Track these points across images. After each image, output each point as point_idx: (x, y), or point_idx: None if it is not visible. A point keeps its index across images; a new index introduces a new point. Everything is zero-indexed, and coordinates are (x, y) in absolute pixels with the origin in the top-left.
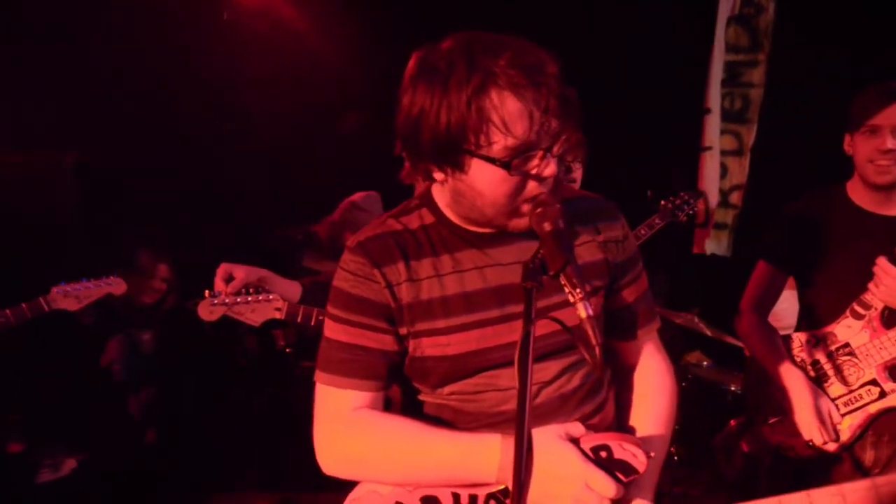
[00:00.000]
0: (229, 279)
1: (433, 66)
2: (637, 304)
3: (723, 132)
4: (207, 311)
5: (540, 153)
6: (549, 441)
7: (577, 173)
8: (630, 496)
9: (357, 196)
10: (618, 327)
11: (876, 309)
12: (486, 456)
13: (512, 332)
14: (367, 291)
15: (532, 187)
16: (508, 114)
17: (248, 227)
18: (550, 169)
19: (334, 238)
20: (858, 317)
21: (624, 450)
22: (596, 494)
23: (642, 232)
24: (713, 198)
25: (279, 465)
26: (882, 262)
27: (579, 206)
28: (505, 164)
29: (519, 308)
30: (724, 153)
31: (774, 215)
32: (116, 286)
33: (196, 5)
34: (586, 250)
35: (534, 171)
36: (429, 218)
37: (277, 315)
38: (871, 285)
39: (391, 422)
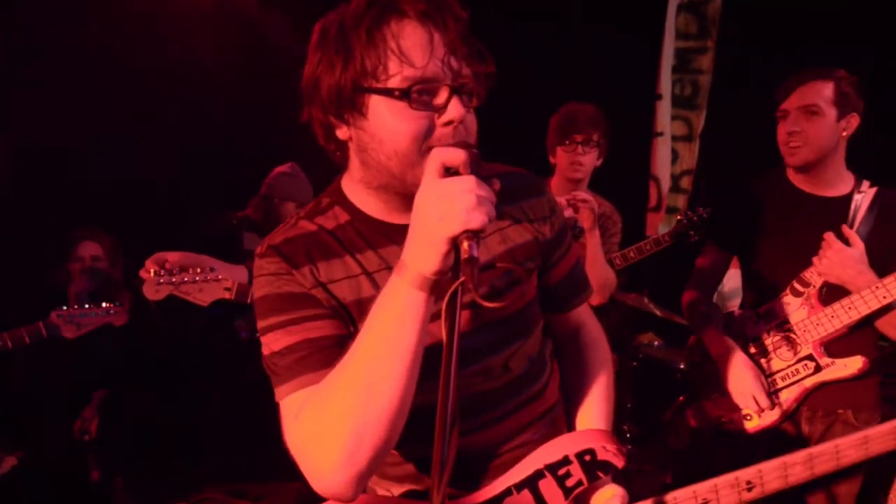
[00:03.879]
0: (162, 267)
1: (332, 20)
2: (569, 277)
3: (673, 118)
4: (153, 290)
5: (445, 89)
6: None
7: (588, 157)
8: (602, 482)
9: (280, 167)
10: (552, 301)
11: (815, 286)
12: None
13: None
14: (294, 286)
15: (440, 134)
16: (407, 41)
17: (193, 217)
18: (457, 110)
19: (268, 212)
20: (798, 294)
21: (606, 451)
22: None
23: (646, 248)
24: (665, 183)
25: (231, 455)
26: (829, 237)
27: (504, 184)
28: (404, 94)
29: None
30: (674, 139)
31: (720, 197)
32: (117, 316)
33: None
34: (515, 231)
35: (437, 107)
36: (343, 216)
37: (227, 295)
38: (814, 259)
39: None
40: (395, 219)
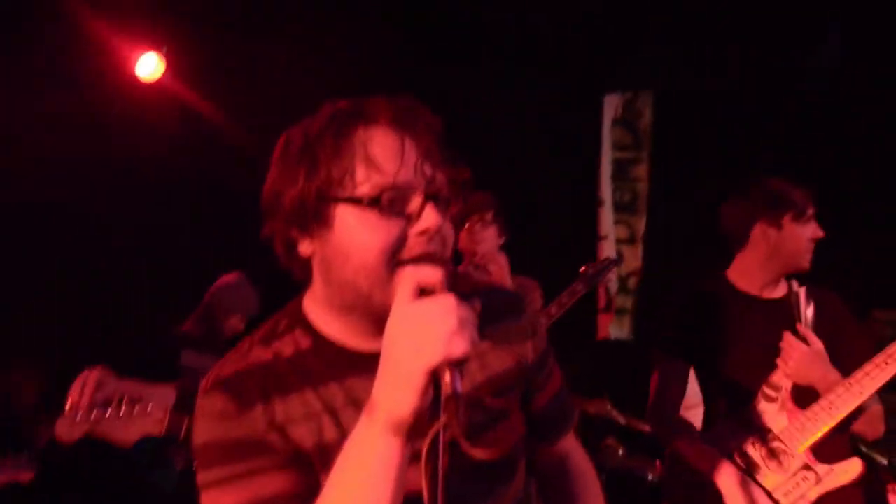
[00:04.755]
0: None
1: (296, 132)
2: (553, 404)
3: (616, 222)
4: (67, 430)
5: (418, 196)
6: None
7: (489, 232)
8: None
9: (225, 277)
10: (536, 432)
11: (786, 389)
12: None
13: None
14: (244, 430)
15: (414, 244)
16: (376, 147)
17: (124, 331)
18: (433, 217)
19: (210, 327)
20: (771, 399)
21: None
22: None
23: (564, 299)
24: (613, 285)
25: None
26: (789, 338)
27: (482, 302)
28: (373, 201)
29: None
30: (618, 241)
31: (664, 306)
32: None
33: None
34: (496, 357)
35: (411, 216)
36: (304, 341)
37: (157, 430)
38: (779, 362)
39: None
40: (363, 345)
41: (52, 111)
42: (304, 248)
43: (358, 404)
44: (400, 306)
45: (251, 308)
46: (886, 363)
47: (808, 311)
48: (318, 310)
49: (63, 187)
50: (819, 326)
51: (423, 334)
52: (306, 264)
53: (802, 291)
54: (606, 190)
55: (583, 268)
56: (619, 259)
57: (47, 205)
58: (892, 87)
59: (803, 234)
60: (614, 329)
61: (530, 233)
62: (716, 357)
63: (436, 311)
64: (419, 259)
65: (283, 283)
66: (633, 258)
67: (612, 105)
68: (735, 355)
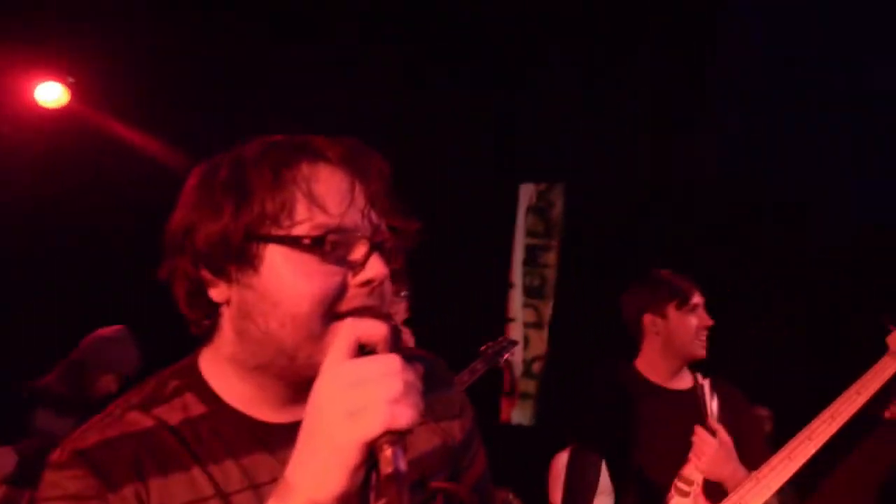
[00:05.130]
0: None
1: (222, 159)
2: (476, 489)
3: (525, 305)
4: None
5: (363, 243)
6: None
7: (401, 307)
8: None
9: (103, 330)
10: None
11: (698, 484)
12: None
13: None
14: None
15: (354, 295)
16: (322, 185)
17: None
18: (379, 268)
19: (78, 383)
20: (684, 494)
21: None
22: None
23: (465, 378)
24: (518, 368)
25: None
26: (700, 432)
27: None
28: (315, 242)
29: None
30: (526, 325)
31: (580, 394)
32: None
33: None
34: (423, 434)
35: (353, 264)
36: (196, 407)
37: None
38: (691, 456)
39: None
40: (272, 415)
41: None
42: (217, 293)
43: (258, 489)
44: (333, 365)
45: (129, 368)
46: (790, 458)
47: (713, 404)
48: (219, 370)
49: None
50: (722, 419)
51: (362, 399)
52: (212, 313)
53: (706, 384)
54: (517, 274)
55: (483, 346)
56: (523, 341)
57: None
58: None
59: (690, 323)
60: (517, 414)
61: (440, 310)
62: (627, 447)
63: (377, 371)
64: (361, 312)
65: (176, 342)
66: (540, 342)
67: (526, 193)
68: (645, 446)
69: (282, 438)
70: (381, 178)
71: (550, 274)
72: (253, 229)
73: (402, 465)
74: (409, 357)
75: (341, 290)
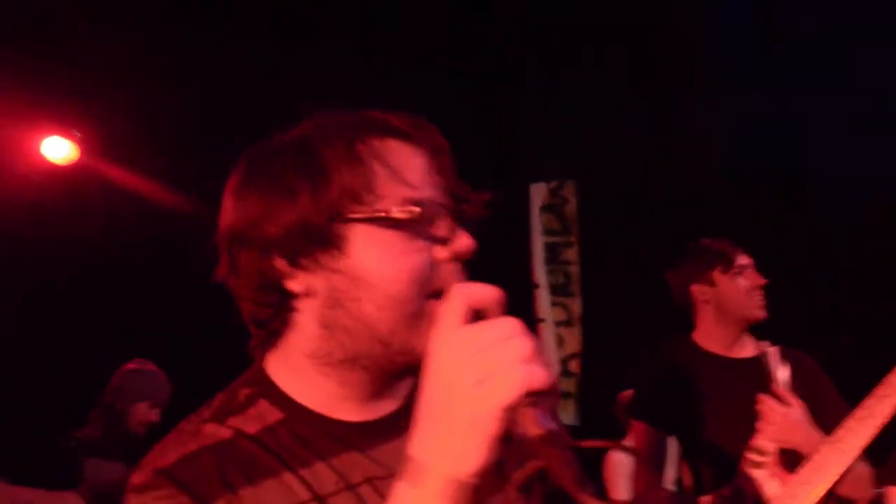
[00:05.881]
0: None
1: (282, 141)
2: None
3: (553, 304)
4: None
5: (447, 217)
6: None
7: None
8: None
9: (125, 366)
10: None
11: (773, 454)
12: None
13: None
14: None
15: (447, 272)
16: (398, 157)
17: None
18: (465, 241)
19: (113, 425)
20: (758, 465)
21: None
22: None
23: None
24: (554, 368)
25: None
26: (767, 401)
27: None
28: (413, 217)
29: None
30: (557, 324)
31: (633, 376)
32: None
33: None
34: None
35: (440, 239)
36: (273, 414)
37: None
38: (759, 426)
39: None
40: (353, 414)
41: None
42: (296, 284)
43: (354, 489)
44: (449, 334)
45: (160, 392)
46: (871, 416)
47: (781, 372)
48: (294, 371)
49: None
50: (795, 389)
51: (491, 364)
52: (283, 310)
53: (774, 352)
54: (540, 273)
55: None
56: (556, 340)
57: None
58: None
59: (738, 286)
60: (560, 414)
61: None
62: (696, 421)
63: (502, 334)
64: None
65: (200, 389)
66: (573, 340)
67: (538, 193)
68: (715, 421)
69: (369, 437)
70: (445, 151)
71: (574, 270)
72: (337, 210)
73: (553, 424)
74: None
75: (432, 265)
